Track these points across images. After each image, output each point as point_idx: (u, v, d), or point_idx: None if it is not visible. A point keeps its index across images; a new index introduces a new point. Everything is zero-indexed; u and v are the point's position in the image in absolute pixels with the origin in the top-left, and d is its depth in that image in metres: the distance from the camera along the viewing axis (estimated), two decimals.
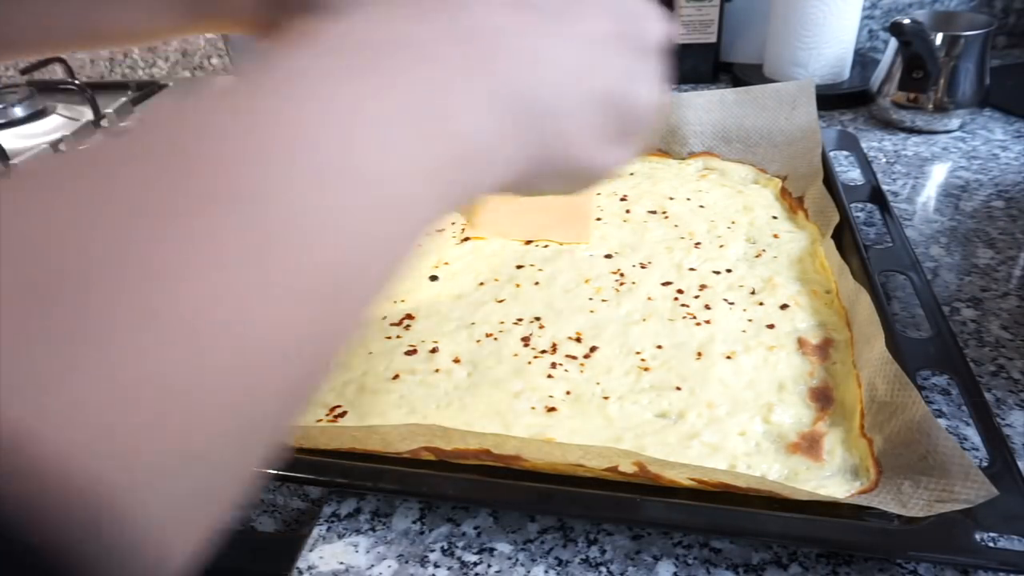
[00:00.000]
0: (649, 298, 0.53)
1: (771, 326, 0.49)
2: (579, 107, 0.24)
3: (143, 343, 0.12)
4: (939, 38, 0.74)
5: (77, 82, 1.01)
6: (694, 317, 0.51)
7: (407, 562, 0.37)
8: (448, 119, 0.19)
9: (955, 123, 0.77)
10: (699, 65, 0.95)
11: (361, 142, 0.16)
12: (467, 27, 0.21)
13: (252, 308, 0.14)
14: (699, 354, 0.47)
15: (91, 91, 0.97)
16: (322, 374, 0.17)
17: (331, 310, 0.16)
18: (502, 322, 0.52)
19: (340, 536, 0.38)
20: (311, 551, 0.38)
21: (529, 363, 0.48)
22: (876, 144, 0.77)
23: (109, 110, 0.93)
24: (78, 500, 0.11)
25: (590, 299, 0.54)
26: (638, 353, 0.48)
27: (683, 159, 0.72)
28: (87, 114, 0.97)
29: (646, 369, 0.47)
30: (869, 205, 0.62)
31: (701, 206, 0.64)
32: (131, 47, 1.12)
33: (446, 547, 0.37)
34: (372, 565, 0.37)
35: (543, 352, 0.49)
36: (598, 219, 0.63)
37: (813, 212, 0.60)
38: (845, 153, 0.72)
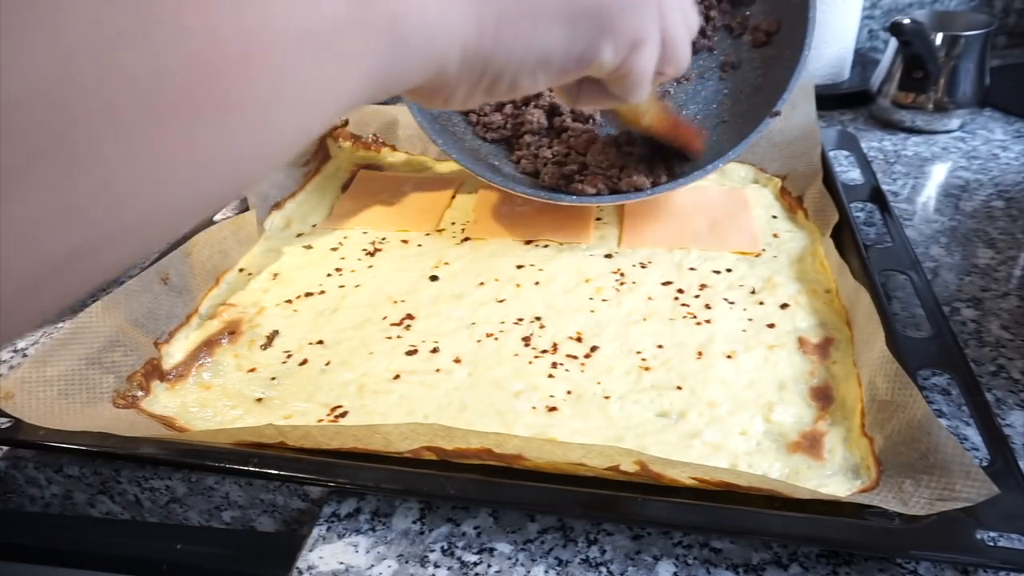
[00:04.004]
0: (649, 298, 0.53)
1: (771, 325, 0.49)
2: None
3: None
4: (939, 38, 0.74)
5: None
6: (694, 317, 0.51)
7: (407, 562, 0.37)
8: None
9: (955, 123, 0.77)
10: None
11: None
12: None
13: None
14: (700, 353, 0.47)
15: None
16: None
17: None
18: (502, 322, 0.52)
19: (340, 536, 0.38)
20: (311, 551, 0.38)
21: (530, 363, 0.48)
22: (876, 144, 0.77)
23: None
24: None
25: (590, 299, 0.54)
26: (639, 353, 0.48)
27: None
28: None
29: (647, 369, 0.47)
30: (869, 205, 0.62)
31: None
32: None
33: (446, 547, 0.37)
34: (372, 565, 0.37)
35: (544, 352, 0.49)
36: (598, 219, 0.63)
37: (813, 212, 0.60)
38: (845, 153, 0.72)
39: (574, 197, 0.58)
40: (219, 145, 0.18)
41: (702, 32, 0.66)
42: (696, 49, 0.66)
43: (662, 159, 0.59)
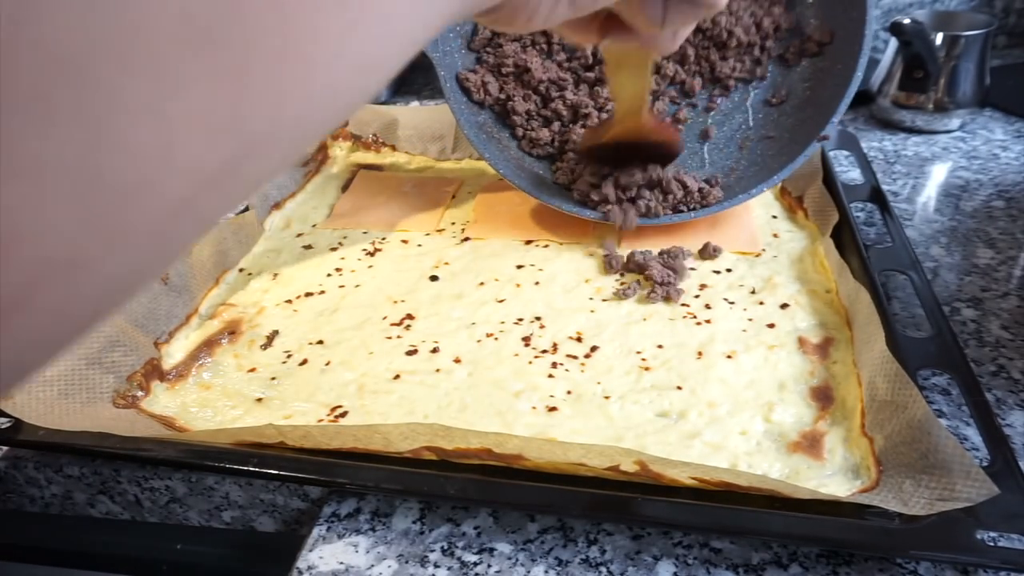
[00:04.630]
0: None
1: (771, 325, 0.49)
2: None
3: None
4: (939, 38, 0.74)
5: None
6: (694, 317, 0.51)
7: (407, 562, 0.37)
8: None
9: (955, 123, 0.77)
10: None
11: None
12: None
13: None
14: (700, 353, 0.47)
15: None
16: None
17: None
18: (502, 322, 0.52)
19: (340, 536, 0.38)
20: (311, 551, 0.38)
21: (530, 363, 0.48)
22: (876, 144, 0.77)
23: None
24: None
25: (590, 299, 0.54)
26: (638, 353, 0.48)
27: None
28: None
29: (647, 369, 0.47)
30: (869, 205, 0.62)
31: None
32: None
33: (446, 547, 0.37)
34: (372, 565, 0.37)
35: (544, 352, 0.49)
36: None
37: (813, 211, 0.60)
38: (845, 153, 0.72)
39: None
40: (354, 43, 0.17)
41: (757, 61, 0.64)
42: (748, 80, 0.64)
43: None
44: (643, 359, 0.47)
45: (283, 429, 0.40)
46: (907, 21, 0.74)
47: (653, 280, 0.53)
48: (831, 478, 0.38)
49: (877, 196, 0.62)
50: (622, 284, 0.54)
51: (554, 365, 0.47)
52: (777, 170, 0.57)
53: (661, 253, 0.56)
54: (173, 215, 0.15)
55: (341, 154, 0.77)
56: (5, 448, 0.46)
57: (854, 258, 0.52)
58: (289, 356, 0.50)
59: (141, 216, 0.14)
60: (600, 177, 0.59)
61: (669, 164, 0.59)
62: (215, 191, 0.15)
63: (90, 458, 0.44)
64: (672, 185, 0.58)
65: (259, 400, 0.46)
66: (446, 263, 0.59)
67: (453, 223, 0.65)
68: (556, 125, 0.64)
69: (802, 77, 0.62)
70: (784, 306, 0.51)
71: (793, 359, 0.46)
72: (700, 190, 0.58)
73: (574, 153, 0.62)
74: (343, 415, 0.45)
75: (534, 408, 0.44)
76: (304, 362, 0.49)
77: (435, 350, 0.50)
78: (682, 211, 0.58)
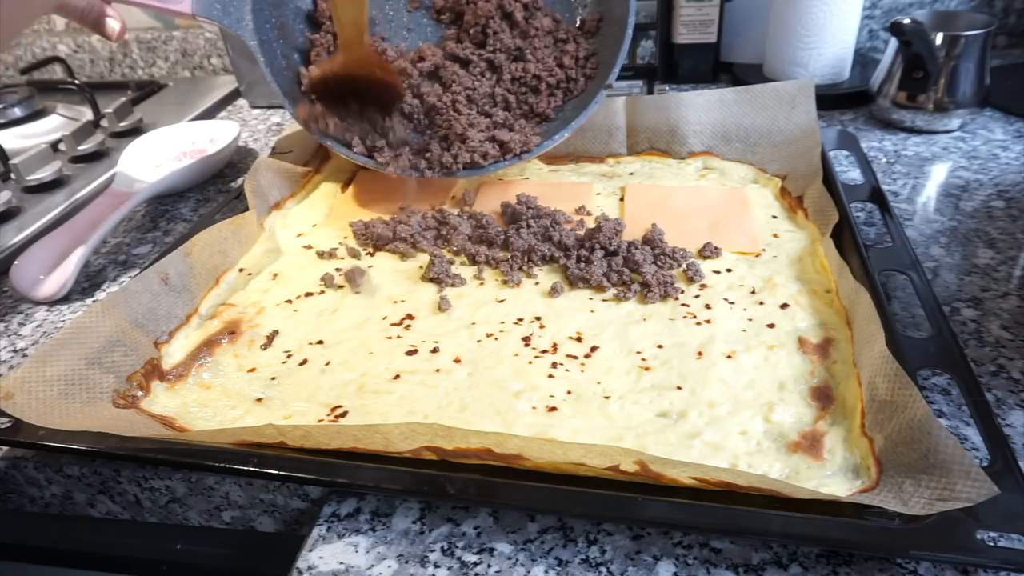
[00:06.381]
0: None
1: (771, 325, 0.49)
2: None
3: None
4: (939, 38, 0.74)
5: (77, 82, 1.01)
6: (694, 317, 0.51)
7: (407, 562, 0.37)
8: None
9: (955, 123, 0.77)
10: (699, 65, 0.95)
11: None
12: None
13: None
14: (700, 353, 0.47)
15: (91, 91, 0.97)
16: None
17: None
18: (502, 322, 0.52)
19: (340, 536, 0.38)
20: (311, 551, 0.38)
21: (530, 363, 0.48)
22: (876, 144, 0.77)
23: (109, 110, 0.93)
24: None
25: (590, 299, 0.54)
26: (639, 353, 0.48)
27: (683, 159, 0.72)
28: (87, 114, 0.97)
29: (647, 369, 0.47)
30: (869, 205, 0.62)
31: None
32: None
33: (446, 547, 0.37)
34: (372, 565, 0.37)
35: (544, 352, 0.49)
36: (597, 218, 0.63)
37: (813, 212, 0.60)
38: (845, 153, 0.72)
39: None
40: None
41: (568, 90, 0.70)
42: (564, 95, 0.70)
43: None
44: (643, 359, 0.47)
45: (283, 429, 0.40)
46: (907, 21, 0.74)
47: (647, 281, 0.53)
48: (831, 478, 0.38)
49: (877, 196, 0.62)
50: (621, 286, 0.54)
51: (554, 365, 0.47)
52: (573, 119, 0.66)
53: (658, 254, 0.56)
54: None
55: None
56: (5, 448, 0.46)
57: (854, 258, 0.52)
58: (289, 356, 0.50)
59: None
60: (335, 117, 0.64)
61: (392, 110, 0.66)
62: None
63: (90, 458, 0.44)
64: (503, 140, 0.65)
65: (259, 400, 0.46)
66: None
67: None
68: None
69: (592, 47, 0.71)
70: (784, 306, 0.51)
71: (793, 359, 0.46)
72: (523, 142, 0.66)
73: (308, 83, 0.66)
74: (343, 415, 0.45)
75: (534, 408, 0.44)
76: (304, 362, 0.49)
77: (435, 350, 0.50)
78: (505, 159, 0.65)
